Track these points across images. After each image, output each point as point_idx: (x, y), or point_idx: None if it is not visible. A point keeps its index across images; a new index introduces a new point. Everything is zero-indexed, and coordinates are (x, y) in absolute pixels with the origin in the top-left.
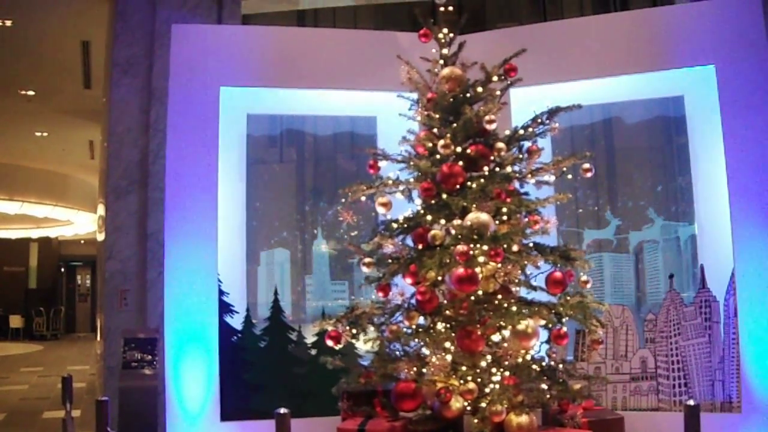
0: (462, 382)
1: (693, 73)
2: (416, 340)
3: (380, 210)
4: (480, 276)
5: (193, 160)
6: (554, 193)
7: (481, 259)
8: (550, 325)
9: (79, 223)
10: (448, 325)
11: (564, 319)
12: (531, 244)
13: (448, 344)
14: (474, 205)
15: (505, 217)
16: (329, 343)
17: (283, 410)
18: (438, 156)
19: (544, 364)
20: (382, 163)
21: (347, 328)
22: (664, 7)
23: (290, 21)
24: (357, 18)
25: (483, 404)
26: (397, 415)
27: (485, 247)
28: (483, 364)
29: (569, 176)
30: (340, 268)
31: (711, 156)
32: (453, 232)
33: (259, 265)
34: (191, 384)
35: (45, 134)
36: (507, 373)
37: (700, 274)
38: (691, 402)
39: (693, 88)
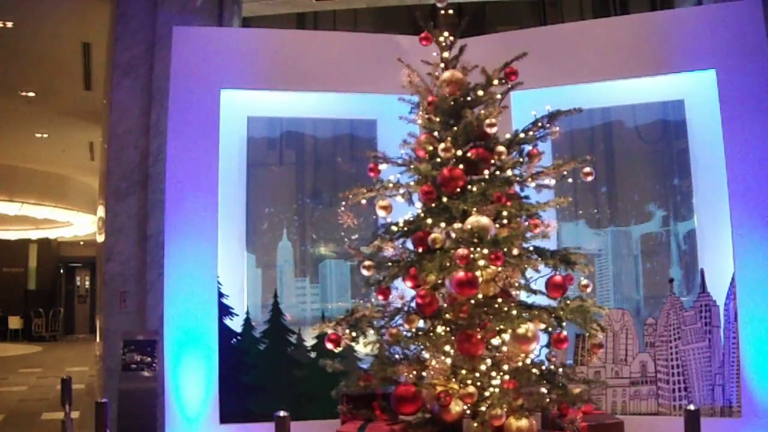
0: (462, 385)
1: (693, 78)
2: (416, 343)
3: (380, 213)
4: (480, 279)
5: (193, 162)
6: (554, 196)
7: (481, 262)
8: (550, 329)
9: (78, 224)
10: (448, 329)
11: (564, 323)
12: (531, 248)
13: (447, 348)
14: (474, 209)
15: (505, 221)
16: (329, 346)
17: (282, 413)
18: (438, 159)
19: (543, 367)
20: (382, 166)
21: (347, 331)
22: (664, 11)
23: (290, 24)
24: (357, 21)
25: (483, 408)
26: (396, 419)
27: (485, 251)
28: (483, 367)
29: (569, 180)
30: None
31: (711, 160)
32: (453, 235)
33: (259, 268)
34: (190, 386)
35: (45, 135)
36: (507, 377)
37: (701, 278)
38: (692, 407)
39: (693, 92)
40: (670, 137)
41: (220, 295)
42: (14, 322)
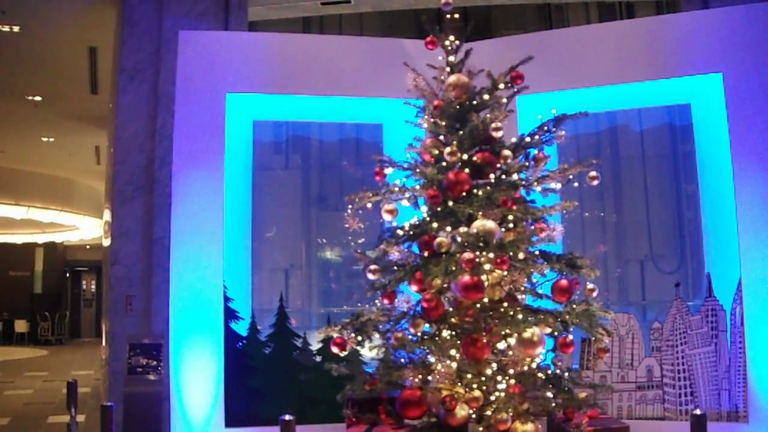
0: (467, 389)
1: (700, 82)
2: (422, 347)
3: (386, 217)
4: (486, 283)
5: (199, 165)
6: (560, 200)
7: (487, 266)
8: (555, 333)
9: (84, 228)
10: (454, 333)
11: (570, 328)
12: (537, 252)
13: (453, 352)
14: (480, 213)
15: (511, 225)
16: (334, 349)
17: (287, 417)
18: (444, 163)
19: (549, 372)
20: (388, 170)
21: (352, 335)
22: (670, 15)
23: (296, 28)
24: (363, 25)
25: (488, 412)
26: (402, 423)
27: (491, 255)
28: (488, 371)
29: (575, 184)
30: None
31: (718, 164)
32: (459, 239)
33: (264, 271)
34: (196, 390)
35: (51, 139)
36: (512, 381)
37: (707, 282)
38: (698, 411)
39: (700, 96)
40: (676, 141)
41: (226, 298)
42: (20, 326)
